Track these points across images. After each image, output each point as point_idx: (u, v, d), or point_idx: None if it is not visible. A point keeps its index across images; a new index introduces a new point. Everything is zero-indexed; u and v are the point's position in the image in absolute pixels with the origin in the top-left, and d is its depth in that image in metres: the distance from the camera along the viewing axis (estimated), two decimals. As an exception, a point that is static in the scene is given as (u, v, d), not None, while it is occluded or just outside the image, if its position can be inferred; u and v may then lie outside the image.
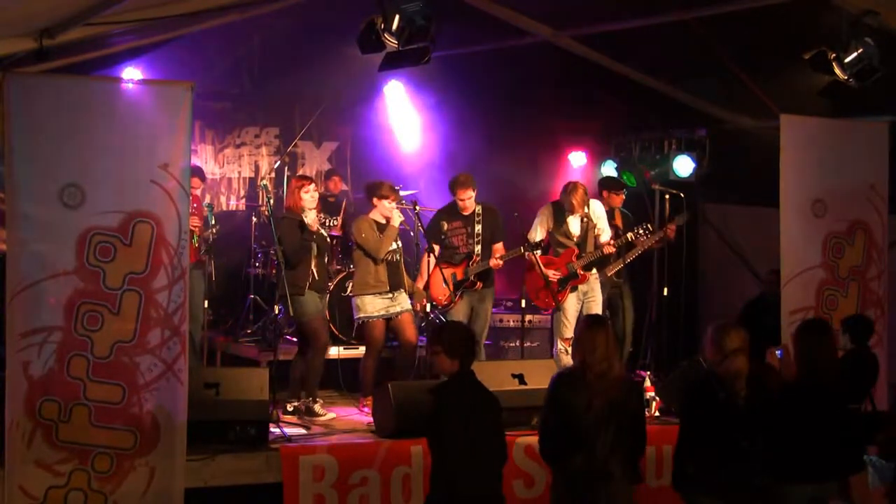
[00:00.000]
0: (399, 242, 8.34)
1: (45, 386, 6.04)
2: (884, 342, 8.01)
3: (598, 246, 8.85)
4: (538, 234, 8.85)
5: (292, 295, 7.85)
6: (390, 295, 8.20)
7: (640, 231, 9.01)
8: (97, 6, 6.01)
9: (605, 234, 8.96)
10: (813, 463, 5.60)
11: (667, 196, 9.66)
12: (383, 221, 8.25)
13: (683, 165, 10.16)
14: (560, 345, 8.75)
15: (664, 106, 10.08)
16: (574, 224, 8.85)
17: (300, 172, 11.20)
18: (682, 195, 9.63)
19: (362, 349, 8.53)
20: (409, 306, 8.29)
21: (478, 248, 8.58)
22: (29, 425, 6.03)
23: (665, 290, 9.56)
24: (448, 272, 8.45)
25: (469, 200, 8.55)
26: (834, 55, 7.35)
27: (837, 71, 7.39)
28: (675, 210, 9.45)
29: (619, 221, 9.42)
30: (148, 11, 6.59)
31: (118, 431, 6.15)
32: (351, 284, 8.47)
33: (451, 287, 8.48)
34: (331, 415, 8.04)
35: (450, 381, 5.42)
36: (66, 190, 6.09)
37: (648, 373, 8.63)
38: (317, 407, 7.99)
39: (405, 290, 8.31)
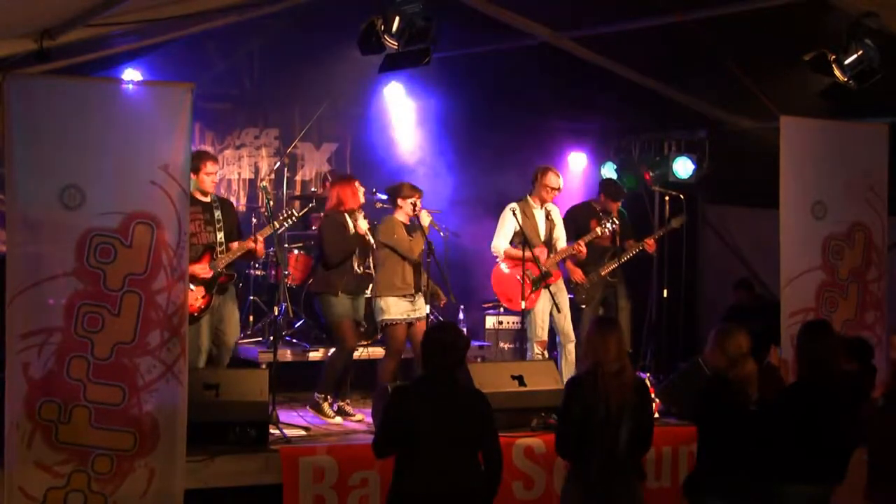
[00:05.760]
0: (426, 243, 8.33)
1: (45, 387, 6.03)
2: (883, 344, 8.01)
3: (556, 251, 8.82)
4: (508, 234, 8.73)
5: (324, 294, 8.06)
6: (412, 298, 8.19)
7: (607, 225, 8.92)
8: (97, 7, 6.01)
9: (562, 241, 8.90)
10: (813, 464, 5.60)
11: (667, 198, 9.67)
12: (408, 222, 8.26)
13: (683, 167, 10.17)
14: (536, 348, 8.63)
15: (664, 107, 10.08)
16: (541, 221, 8.79)
17: (300, 174, 11.21)
18: (682, 196, 9.64)
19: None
20: (426, 313, 8.26)
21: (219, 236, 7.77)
22: (29, 426, 6.02)
23: (665, 290, 9.56)
24: None
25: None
26: (834, 57, 7.35)
27: (837, 73, 7.39)
28: (676, 212, 9.44)
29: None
30: (148, 13, 6.59)
31: (118, 433, 6.14)
32: (373, 285, 8.34)
33: None
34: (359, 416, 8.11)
35: (415, 381, 5.35)
36: (66, 191, 6.07)
37: (648, 374, 8.62)
38: (325, 406, 8.00)
39: (423, 293, 8.27)
